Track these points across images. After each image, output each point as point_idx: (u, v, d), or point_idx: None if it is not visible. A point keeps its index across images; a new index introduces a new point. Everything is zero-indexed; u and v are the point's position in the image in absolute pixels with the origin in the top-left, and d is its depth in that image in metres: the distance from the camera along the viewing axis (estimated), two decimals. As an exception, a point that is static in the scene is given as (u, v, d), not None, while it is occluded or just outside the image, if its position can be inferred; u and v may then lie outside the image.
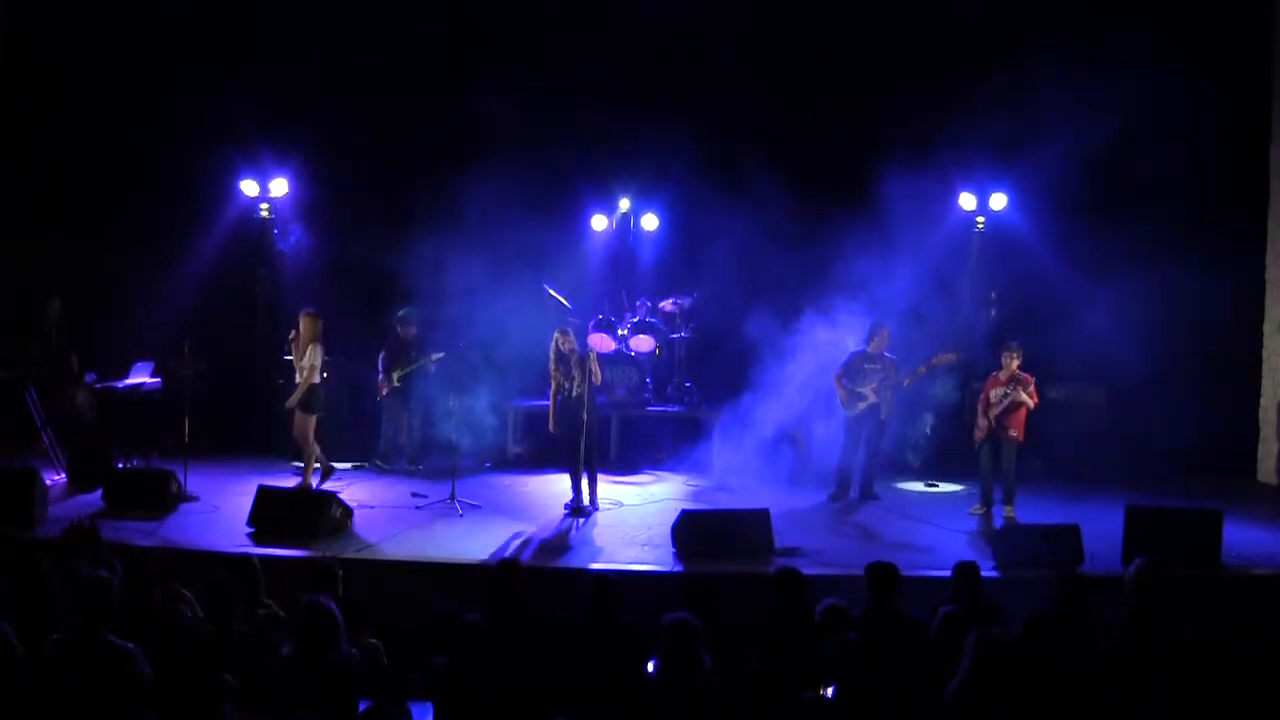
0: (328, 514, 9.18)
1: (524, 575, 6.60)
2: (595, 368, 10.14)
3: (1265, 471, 12.58)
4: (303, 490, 10.14)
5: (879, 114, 12.40)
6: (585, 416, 10.08)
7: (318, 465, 10.83)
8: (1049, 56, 11.33)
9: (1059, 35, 11.86)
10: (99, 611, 5.22)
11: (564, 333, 10.35)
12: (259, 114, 12.49)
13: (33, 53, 12.82)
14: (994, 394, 10.21)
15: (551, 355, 10.30)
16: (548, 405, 12.60)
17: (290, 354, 10.79)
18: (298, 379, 10.56)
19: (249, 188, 12.79)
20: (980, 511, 10.33)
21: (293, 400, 10.55)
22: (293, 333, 10.61)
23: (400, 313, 11.79)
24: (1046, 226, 12.58)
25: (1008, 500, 10.18)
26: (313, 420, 10.59)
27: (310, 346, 10.43)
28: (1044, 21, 12.08)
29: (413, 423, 11.94)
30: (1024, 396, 10.04)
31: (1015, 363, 10.17)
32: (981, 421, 10.27)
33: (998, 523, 9.97)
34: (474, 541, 9.19)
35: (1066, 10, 12.29)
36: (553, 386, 10.37)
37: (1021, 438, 10.17)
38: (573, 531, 9.68)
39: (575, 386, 10.15)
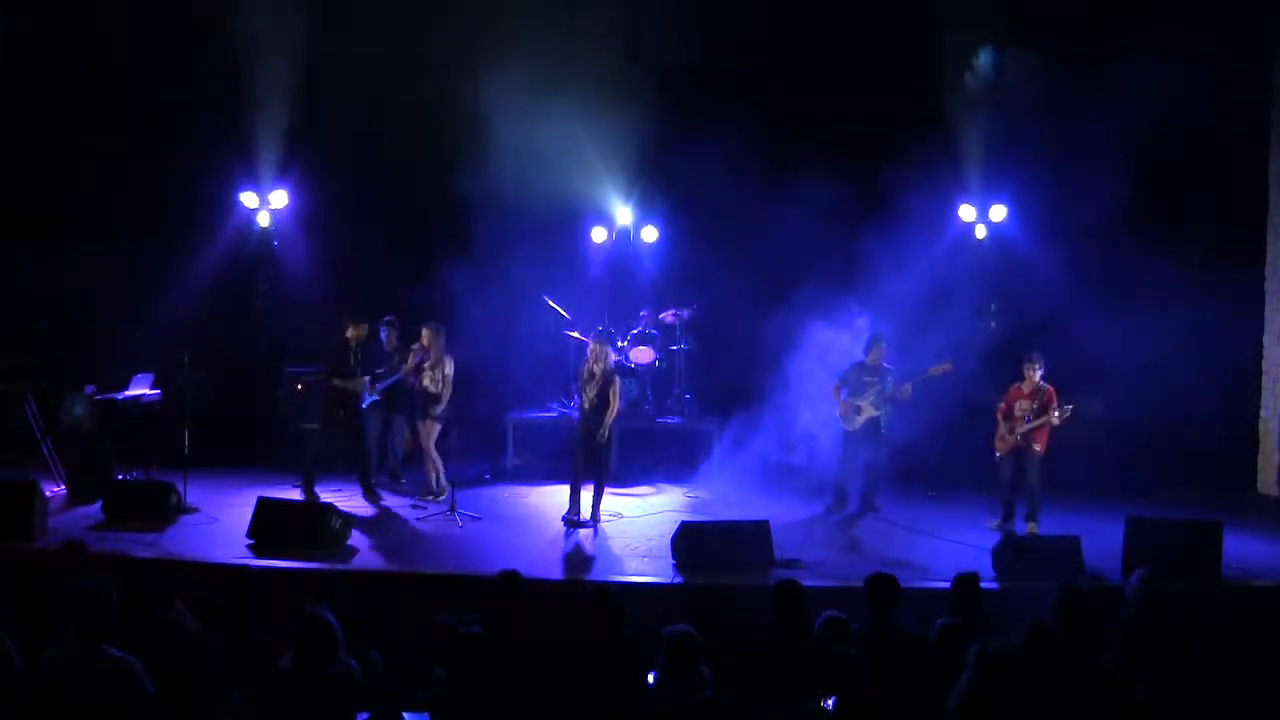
0: (327, 525, 9.17)
1: (524, 587, 6.58)
2: (613, 391, 10.11)
3: (1265, 482, 12.58)
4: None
5: (881, 124, 12.44)
6: (591, 432, 10.06)
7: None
8: (1050, 69, 11.38)
9: (1059, 48, 11.89)
10: (97, 624, 5.21)
11: (600, 344, 10.26)
12: (259, 125, 12.55)
13: (34, 62, 12.85)
14: (1019, 407, 10.14)
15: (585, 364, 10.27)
16: (546, 417, 12.69)
17: (400, 369, 11.03)
18: (432, 388, 10.70)
19: (249, 199, 12.82)
20: (1002, 526, 10.19)
21: (438, 411, 10.73)
22: (416, 345, 10.83)
23: (386, 319, 11.66)
24: (1045, 238, 12.62)
25: (1031, 516, 10.11)
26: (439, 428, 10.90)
27: (446, 358, 10.69)
28: (1043, 33, 12.12)
29: (395, 434, 11.87)
30: (1053, 419, 9.96)
31: (1037, 374, 10.11)
32: (1004, 434, 10.23)
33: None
34: (473, 553, 9.19)
35: (1067, 25, 12.32)
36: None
37: (1044, 451, 10.10)
38: (573, 543, 9.67)
39: (589, 400, 10.11)
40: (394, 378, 11.28)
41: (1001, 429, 10.25)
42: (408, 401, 11.39)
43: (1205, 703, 5.36)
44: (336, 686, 5.16)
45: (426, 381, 10.76)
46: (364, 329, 10.97)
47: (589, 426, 10.11)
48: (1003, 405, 10.28)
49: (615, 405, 10.20)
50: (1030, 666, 5.39)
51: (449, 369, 10.75)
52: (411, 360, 10.84)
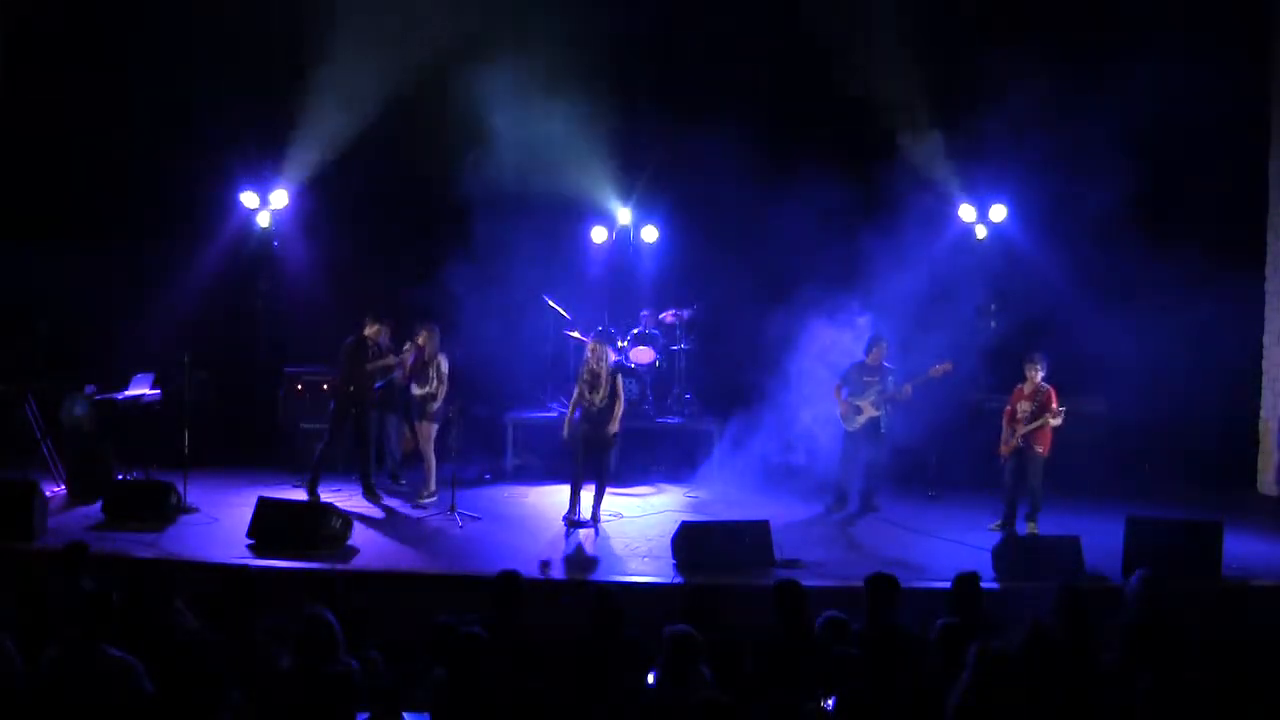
0: (327, 525, 9.17)
1: (524, 587, 6.58)
2: (618, 388, 10.09)
3: (1265, 482, 12.58)
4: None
5: (881, 124, 12.44)
6: (599, 432, 10.04)
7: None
8: (1049, 68, 11.38)
9: (1059, 47, 11.89)
10: (97, 624, 5.21)
11: (599, 344, 10.24)
12: (259, 125, 12.54)
13: (34, 62, 12.85)
14: (1020, 408, 10.10)
15: (585, 365, 10.25)
16: (546, 417, 12.68)
17: (399, 370, 11.07)
18: (422, 390, 10.70)
19: (249, 199, 12.82)
20: (1002, 527, 10.14)
21: (435, 408, 10.76)
22: (407, 346, 10.87)
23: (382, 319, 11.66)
24: (1045, 238, 12.62)
25: (1032, 516, 10.07)
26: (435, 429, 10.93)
27: (440, 357, 10.70)
28: (1043, 33, 12.12)
29: (391, 435, 11.86)
30: (1051, 421, 9.91)
31: (1039, 374, 10.08)
32: (1007, 435, 10.17)
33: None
34: (473, 553, 9.19)
35: (1066, 24, 12.32)
36: (575, 395, 10.31)
37: (1047, 452, 10.05)
38: (573, 543, 9.67)
39: (595, 401, 10.09)
40: (389, 377, 11.29)
41: (1005, 432, 10.22)
42: (403, 401, 11.37)
43: (1205, 703, 5.36)
44: (336, 686, 5.16)
45: (417, 383, 10.75)
46: (378, 328, 11.01)
47: (592, 427, 10.10)
48: (1007, 409, 10.26)
49: (621, 405, 10.19)
50: (1030, 666, 5.39)
51: (444, 365, 10.75)
52: (407, 360, 10.83)
